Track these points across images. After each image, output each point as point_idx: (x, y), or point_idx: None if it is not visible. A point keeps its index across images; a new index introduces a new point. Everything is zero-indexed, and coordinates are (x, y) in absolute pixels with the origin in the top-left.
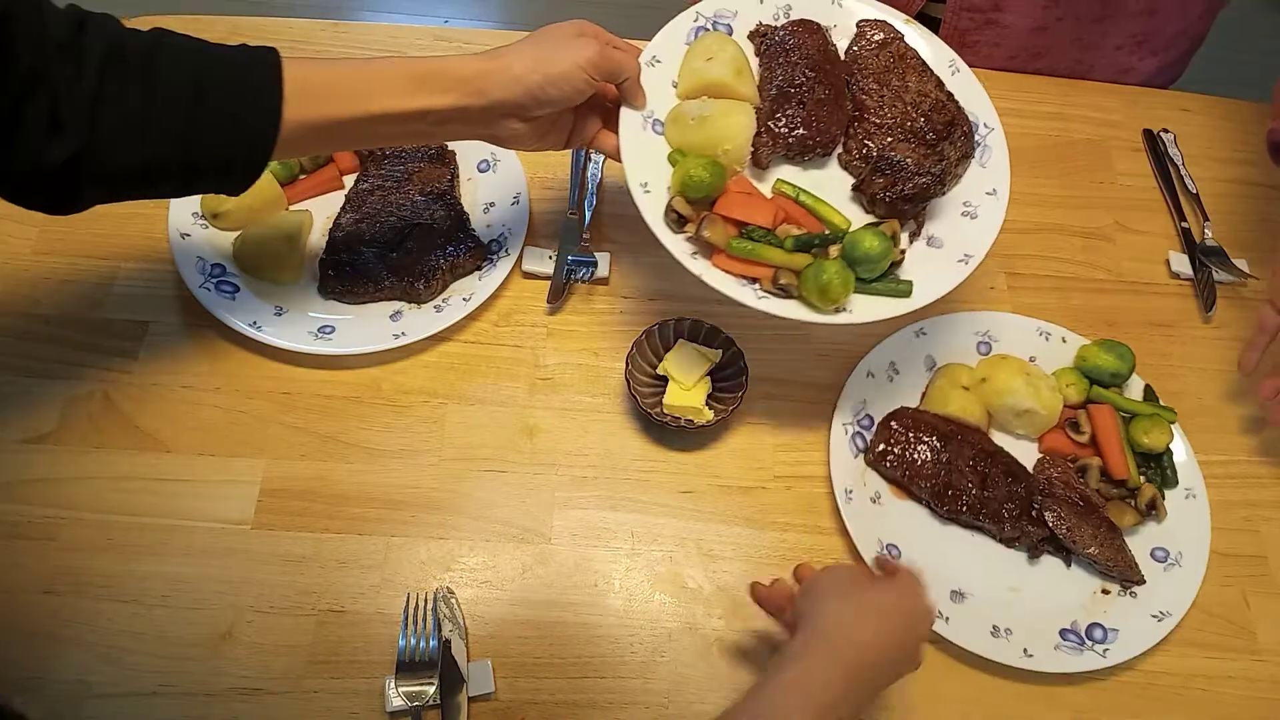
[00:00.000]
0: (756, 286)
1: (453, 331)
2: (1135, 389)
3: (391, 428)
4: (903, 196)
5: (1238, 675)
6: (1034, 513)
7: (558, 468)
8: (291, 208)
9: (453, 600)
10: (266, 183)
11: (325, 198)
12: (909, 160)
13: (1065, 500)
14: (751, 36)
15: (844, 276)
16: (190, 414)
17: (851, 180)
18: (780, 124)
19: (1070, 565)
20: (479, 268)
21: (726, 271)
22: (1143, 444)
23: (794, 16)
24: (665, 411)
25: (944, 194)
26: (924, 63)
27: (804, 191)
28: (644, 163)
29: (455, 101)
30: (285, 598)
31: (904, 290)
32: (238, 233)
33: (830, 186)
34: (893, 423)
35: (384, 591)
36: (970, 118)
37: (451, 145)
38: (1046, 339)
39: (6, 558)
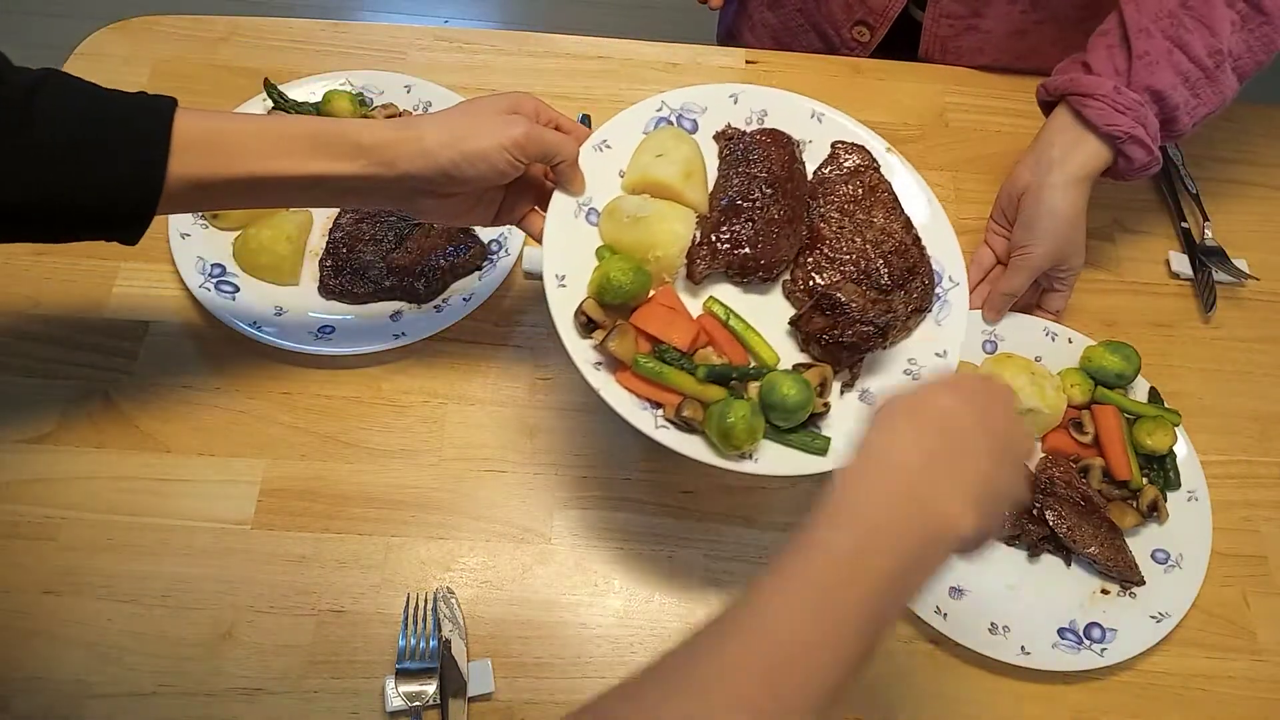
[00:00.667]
0: (660, 413)
1: (453, 331)
2: (1140, 391)
3: (391, 428)
4: (839, 342)
5: (1238, 675)
6: (1034, 511)
7: (558, 468)
8: (291, 208)
9: (453, 600)
10: None
11: None
12: (854, 304)
13: (1066, 500)
14: (717, 137)
15: (752, 423)
16: (190, 414)
17: (791, 311)
18: (724, 238)
19: (1070, 564)
20: (479, 268)
21: (630, 390)
22: (1146, 445)
23: (769, 123)
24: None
25: (886, 347)
26: (895, 199)
27: (735, 315)
28: (567, 253)
29: (359, 170)
30: (285, 598)
31: (819, 447)
32: (238, 233)
33: (768, 314)
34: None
35: (384, 591)
36: (935, 267)
37: None
38: (1053, 339)
39: (6, 558)
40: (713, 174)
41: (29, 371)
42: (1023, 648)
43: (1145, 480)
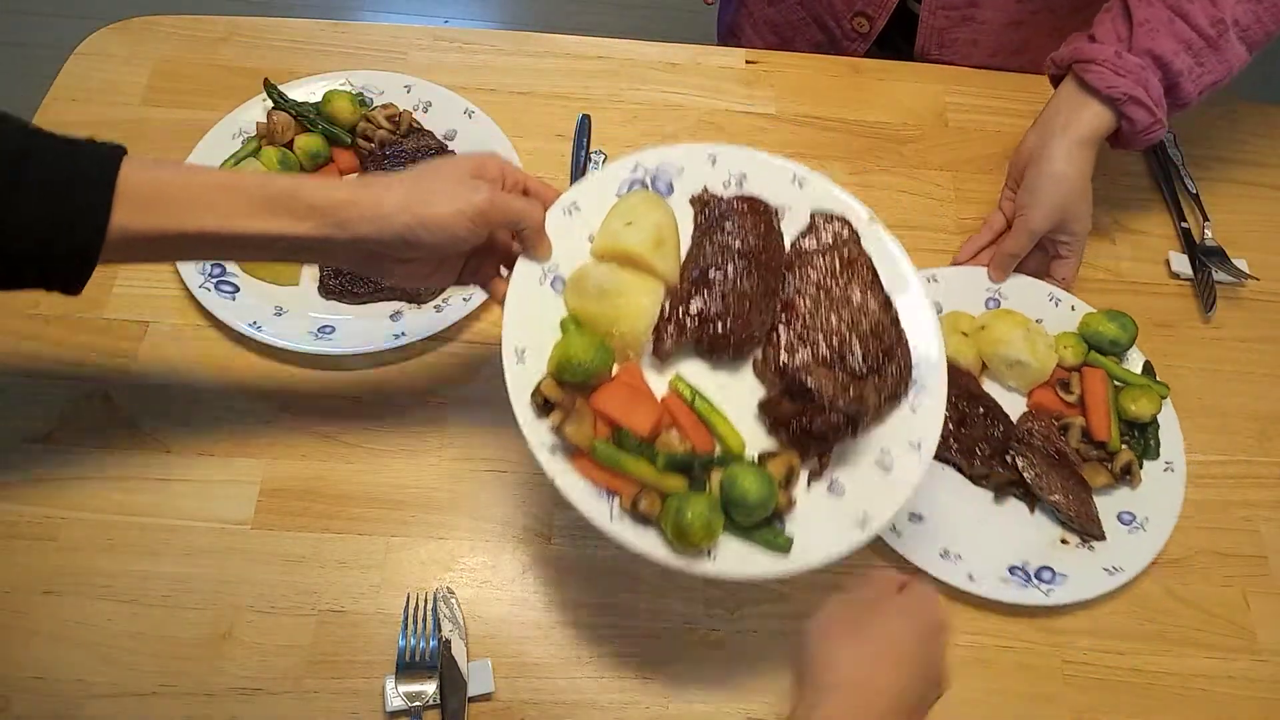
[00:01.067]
0: (616, 501)
1: (453, 331)
2: (1135, 363)
3: (391, 428)
4: (808, 431)
5: (1238, 675)
6: (1007, 458)
7: None
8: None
9: (453, 600)
10: None
11: None
12: (826, 390)
13: (1040, 451)
14: (693, 201)
15: (710, 519)
16: (190, 414)
17: (761, 392)
18: (693, 314)
19: (1034, 511)
20: None
21: (587, 477)
22: (1130, 411)
23: (748, 187)
24: None
25: (857, 437)
26: (875, 275)
27: (701, 397)
28: (528, 325)
29: (311, 231)
30: (285, 598)
31: (782, 546)
32: None
33: (737, 394)
34: None
35: (384, 591)
36: (910, 350)
37: (451, 145)
38: (1055, 304)
39: (6, 558)
40: (686, 239)
41: (29, 372)
42: (970, 575)
43: (1124, 445)
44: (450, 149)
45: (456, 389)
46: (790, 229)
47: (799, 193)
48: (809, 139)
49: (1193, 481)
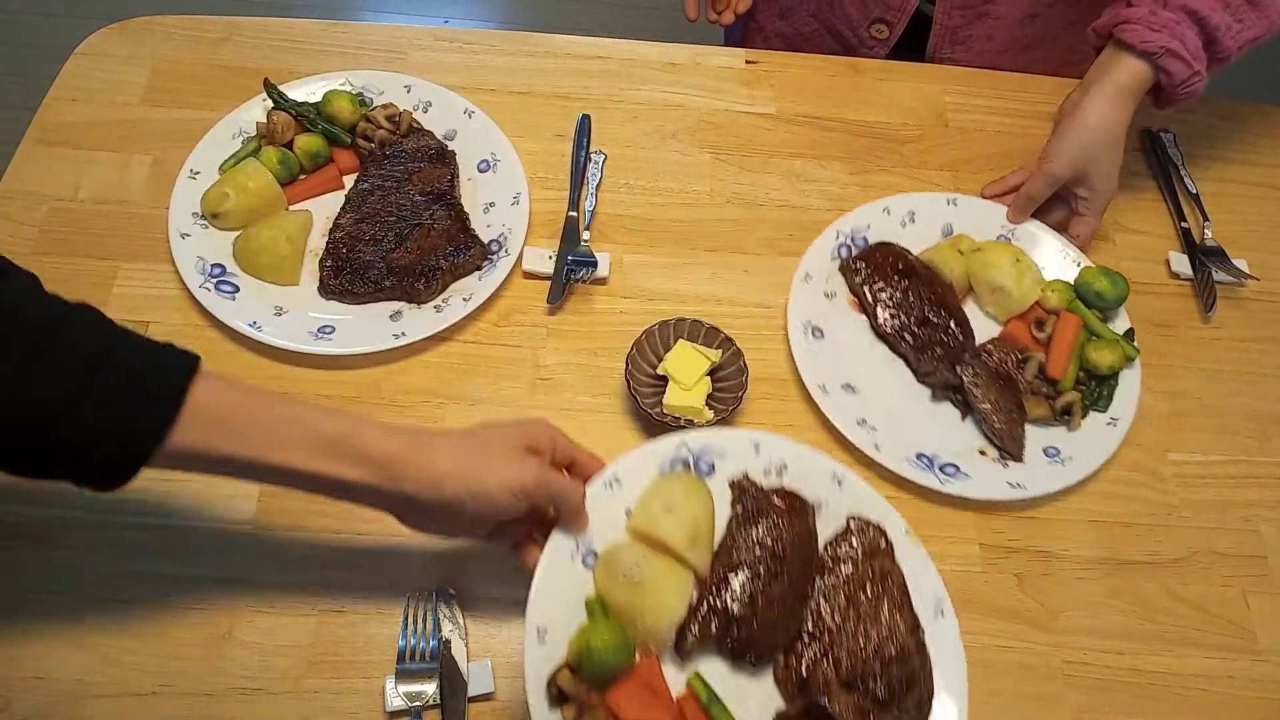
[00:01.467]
0: None
1: (453, 331)
2: (1120, 325)
3: None
4: None
5: (1238, 675)
6: (957, 367)
7: None
8: (291, 208)
9: (453, 600)
10: (266, 183)
11: (325, 198)
12: (845, 717)
13: (989, 368)
14: (733, 486)
15: None
16: None
17: (779, 701)
18: (718, 611)
19: (964, 419)
20: (479, 268)
21: None
22: (1091, 359)
23: (788, 479)
24: (665, 411)
25: None
26: (906, 594)
27: (717, 702)
28: (554, 602)
29: (360, 478)
30: (285, 598)
31: None
32: (238, 233)
33: (755, 699)
34: (881, 250)
35: (384, 591)
36: (933, 678)
37: (451, 145)
38: (1063, 256)
39: (6, 558)
40: (723, 520)
41: None
42: (877, 445)
43: (1077, 390)
44: (450, 149)
45: (456, 389)
46: (825, 527)
47: (838, 491)
48: (809, 139)
49: (1193, 481)
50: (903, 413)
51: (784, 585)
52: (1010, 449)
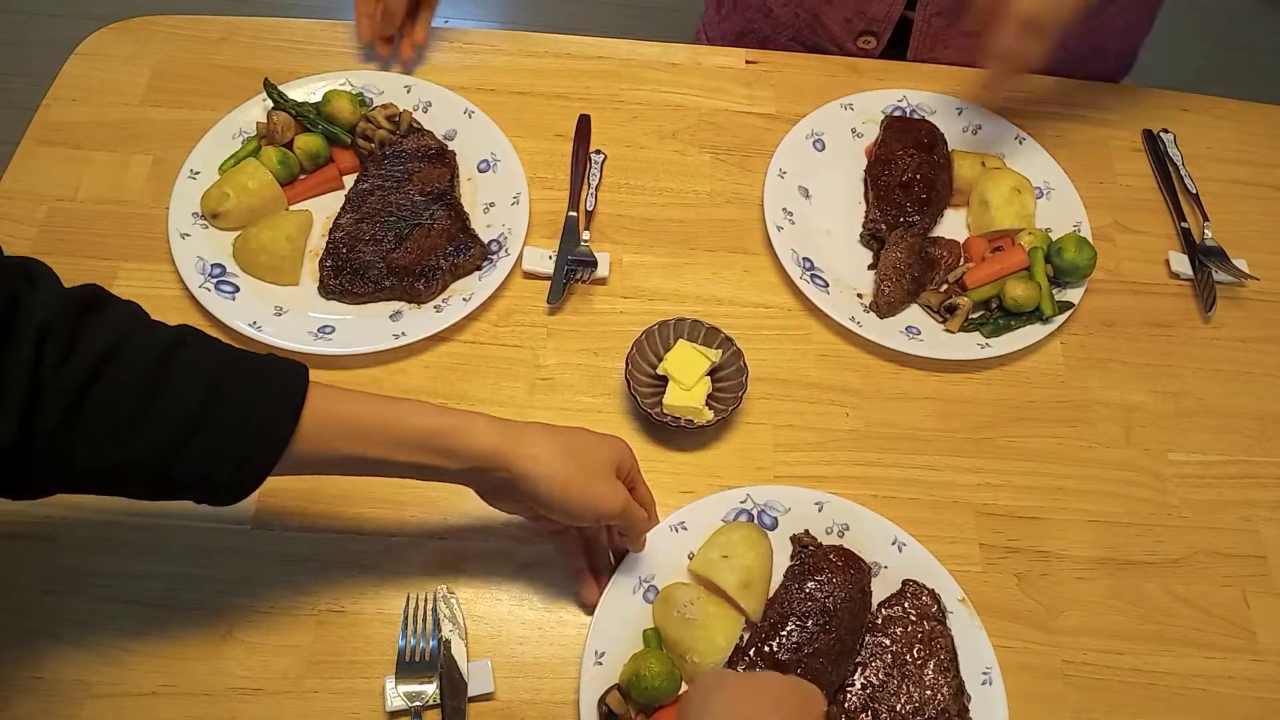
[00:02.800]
0: None
1: (453, 331)
2: (1075, 294)
3: None
4: None
5: (1238, 675)
6: (892, 233)
7: None
8: (291, 208)
9: (453, 600)
10: (266, 183)
11: (325, 198)
12: None
13: (915, 247)
14: (794, 539)
15: None
16: None
17: None
18: (763, 657)
19: (869, 268)
20: (479, 268)
21: None
22: (1006, 289)
23: (849, 539)
24: (665, 411)
25: None
26: (954, 657)
27: None
28: (614, 631)
29: (461, 466)
30: (285, 598)
31: None
32: (238, 233)
33: None
34: (924, 124)
35: (384, 591)
36: None
37: (451, 145)
38: (1077, 229)
39: (6, 558)
40: (780, 570)
41: None
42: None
43: (978, 308)
44: (450, 149)
45: (456, 389)
46: (881, 589)
47: (897, 555)
48: None
49: (1193, 481)
50: (835, 245)
51: (832, 638)
52: (879, 307)
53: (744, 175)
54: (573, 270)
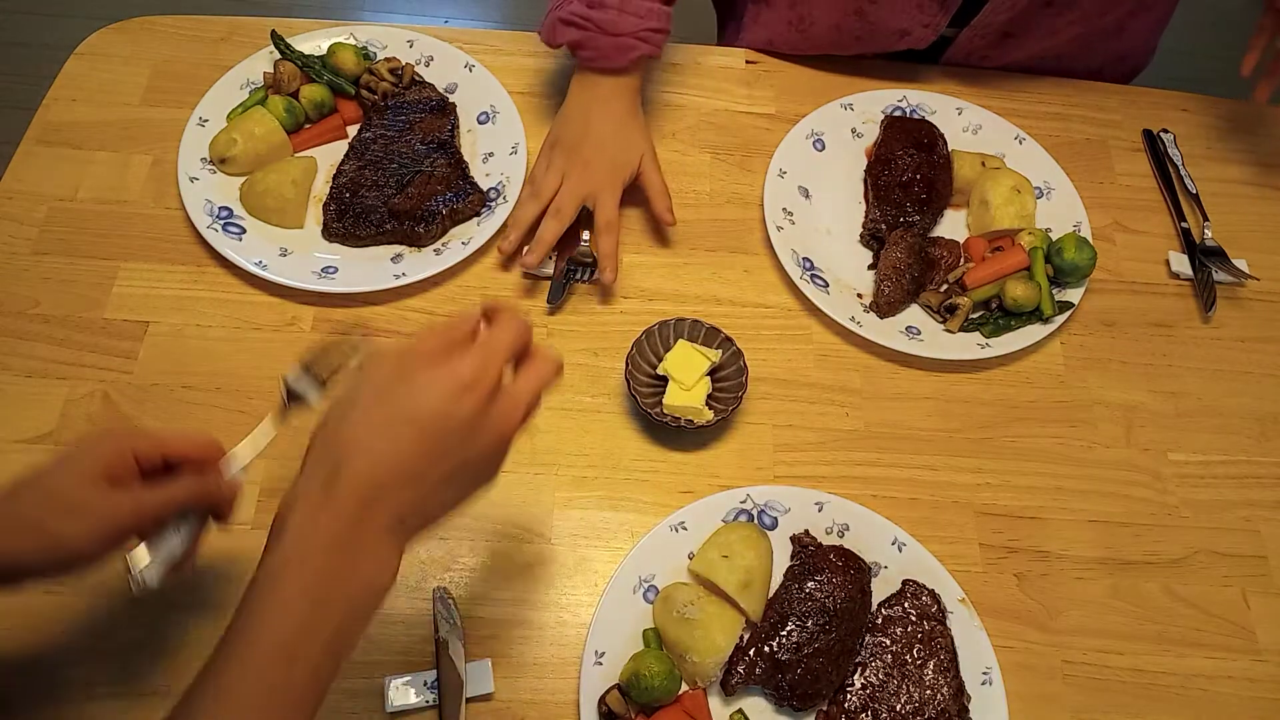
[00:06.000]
0: None
1: (450, 274)
2: (1075, 294)
3: None
4: None
5: (1238, 675)
6: (892, 233)
7: (558, 468)
8: (297, 155)
9: (450, 600)
10: (272, 129)
11: (329, 147)
12: None
13: (915, 248)
14: (794, 539)
15: None
16: (190, 414)
17: None
18: (765, 659)
19: (869, 268)
20: (477, 213)
21: None
22: (1006, 289)
23: (849, 539)
24: (665, 411)
25: None
26: (954, 657)
27: None
28: (613, 630)
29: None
30: None
31: None
32: (245, 178)
33: None
34: (923, 124)
35: None
36: None
37: (452, 98)
38: (1077, 229)
39: None
40: (780, 570)
41: (29, 371)
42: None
43: (978, 308)
44: (451, 101)
45: None
46: (881, 589)
47: (897, 555)
48: None
49: (1193, 481)
50: (827, 237)
51: (832, 638)
52: (879, 307)
53: (744, 175)
54: (573, 270)
